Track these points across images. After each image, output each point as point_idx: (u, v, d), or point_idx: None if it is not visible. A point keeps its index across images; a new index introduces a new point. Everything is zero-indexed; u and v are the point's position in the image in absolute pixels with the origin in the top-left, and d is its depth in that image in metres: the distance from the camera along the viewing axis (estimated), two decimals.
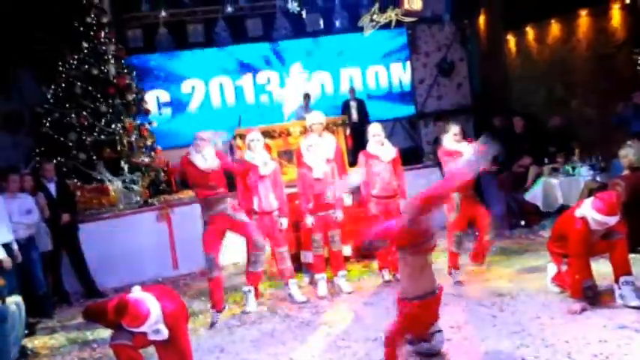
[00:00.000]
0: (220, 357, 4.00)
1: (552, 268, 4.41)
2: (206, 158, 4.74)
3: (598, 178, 6.02)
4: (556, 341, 3.51)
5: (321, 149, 5.22)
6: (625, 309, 3.84)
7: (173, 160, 8.83)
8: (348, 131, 8.07)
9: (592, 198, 3.96)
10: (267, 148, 5.61)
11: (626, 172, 5.45)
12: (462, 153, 4.71)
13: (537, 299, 4.31)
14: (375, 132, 5.31)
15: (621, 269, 3.94)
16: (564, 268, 4.18)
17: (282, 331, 4.36)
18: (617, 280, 3.96)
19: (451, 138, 5.11)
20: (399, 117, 10.67)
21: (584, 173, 6.19)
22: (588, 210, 3.86)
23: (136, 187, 7.33)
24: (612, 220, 3.82)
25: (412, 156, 8.49)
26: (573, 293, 4.02)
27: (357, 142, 8.94)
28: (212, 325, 4.62)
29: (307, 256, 5.57)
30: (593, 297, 3.99)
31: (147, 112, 8.41)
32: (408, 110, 10.70)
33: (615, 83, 7.31)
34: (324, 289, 5.12)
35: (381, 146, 5.28)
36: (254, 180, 5.02)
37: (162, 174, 8.14)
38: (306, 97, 8.98)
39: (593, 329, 3.61)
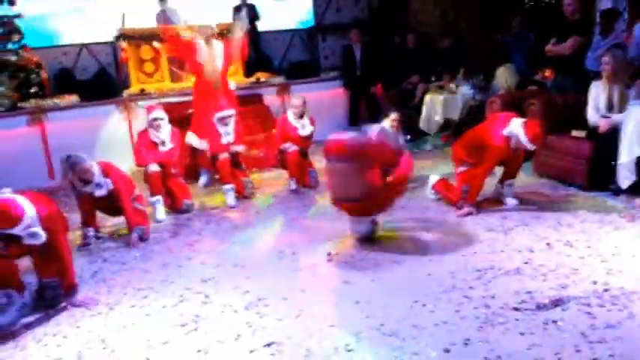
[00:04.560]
0: (103, 267, 3.87)
1: (434, 178, 4.74)
2: None
3: (477, 97, 6.44)
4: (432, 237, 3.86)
5: None
6: (494, 215, 4.26)
7: (47, 60, 7.99)
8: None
9: (521, 120, 4.15)
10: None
11: (502, 92, 5.91)
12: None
13: (418, 205, 4.65)
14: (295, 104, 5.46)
15: (510, 174, 4.46)
16: (461, 169, 4.48)
17: (169, 240, 4.32)
18: (502, 182, 4.50)
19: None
20: (298, 29, 10.37)
21: (466, 92, 6.58)
22: (518, 130, 4.07)
23: (1, 89, 6.54)
24: (533, 147, 4.17)
25: (310, 69, 8.37)
26: (458, 198, 4.40)
27: (254, 52, 8.64)
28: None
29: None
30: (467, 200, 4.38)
31: (11, 2, 7.34)
32: (306, 22, 10.40)
33: (500, 8, 7.65)
34: (233, 199, 5.08)
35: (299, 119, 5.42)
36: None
37: (34, 75, 7.30)
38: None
39: (465, 231, 3.99)
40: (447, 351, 2.50)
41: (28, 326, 3.06)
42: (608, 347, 2.43)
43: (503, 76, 5.96)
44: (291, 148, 5.37)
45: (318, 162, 5.73)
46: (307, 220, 4.56)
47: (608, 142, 4.44)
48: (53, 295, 3.23)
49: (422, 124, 6.81)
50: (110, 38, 7.75)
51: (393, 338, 2.64)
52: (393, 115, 4.92)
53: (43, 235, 2.99)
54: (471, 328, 2.67)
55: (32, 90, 7.15)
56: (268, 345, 2.67)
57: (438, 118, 6.64)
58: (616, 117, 4.49)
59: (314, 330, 2.77)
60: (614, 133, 4.40)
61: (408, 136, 6.78)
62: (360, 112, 7.70)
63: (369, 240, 3.91)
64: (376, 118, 7.57)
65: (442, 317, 2.79)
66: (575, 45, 5.33)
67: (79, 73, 8.68)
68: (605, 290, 2.94)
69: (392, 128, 4.88)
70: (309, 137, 5.50)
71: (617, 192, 4.42)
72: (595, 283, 3.04)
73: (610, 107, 4.62)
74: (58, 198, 5.48)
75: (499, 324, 2.68)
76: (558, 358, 2.38)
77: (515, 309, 2.81)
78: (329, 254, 3.75)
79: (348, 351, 2.57)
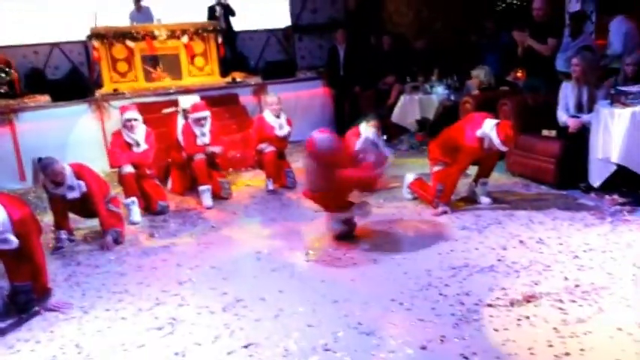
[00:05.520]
0: (77, 270, 3.80)
1: (409, 177, 4.78)
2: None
3: (452, 97, 6.54)
4: (408, 237, 3.90)
5: None
6: (468, 214, 4.33)
7: (16, 59, 7.83)
8: (220, 39, 7.70)
9: (494, 122, 4.20)
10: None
11: (475, 92, 6.01)
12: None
13: (394, 204, 4.70)
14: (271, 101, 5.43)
15: (484, 173, 4.54)
16: (436, 168, 4.53)
17: (144, 243, 4.26)
18: (476, 180, 4.57)
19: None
20: (273, 29, 10.34)
21: (440, 92, 6.68)
22: (491, 131, 4.14)
23: None
24: (505, 149, 4.25)
25: (286, 69, 8.35)
26: (433, 197, 4.45)
27: (230, 52, 8.60)
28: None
29: None
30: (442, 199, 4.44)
31: None
32: (282, 22, 10.38)
33: (474, 10, 7.79)
34: (209, 200, 5.05)
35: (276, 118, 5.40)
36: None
37: (3, 75, 7.13)
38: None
39: (440, 230, 4.05)
40: (424, 348, 2.53)
41: (0, 332, 2.99)
42: (579, 341, 2.49)
43: (481, 76, 6.08)
44: (267, 148, 5.36)
45: (295, 162, 5.76)
46: (284, 220, 4.56)
47: (577, 141, 4.56)
48: (26, 300, 3.16)
49: (394, 118, 6.91)
50: (82, 37, 7.61)
51: (370, 337, 2.66)
52: (372, 122, 4.91)
53: (14, 241, 2.92)
54: (446, 325, 2.71)
55: (1, 90, 7.00)
56: (246, 346, 2.66)
57: (414, 117, 6.73)
58: (585, 117, 4.61)
59: (292, 330, 2.77)
60: (583, 132, 4.52)
61: (385, 137, 6.84)
62: (344, 112, 7.73)
63: (346, 239, 3.94)
64: (358, 118, 7.66)
65: (418, 315, 2.83)
66: (554, 47, 5.48)
67: (51, 72, 8.52)
68: (577, 286, 3.02)
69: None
70: (285, 138, 5.50)
71: (587, 190, 4.54)
72: (566, 279, 3.12)
73: (579, 107, 4.74)
74: (29, 200, 5.39)
75: (474, 320, 2.73)
76: (531, 353, 2.43)
77: (490, 305, 2.87)
78: (307, 254, 3.76)
79: (326, 350, 2.58)
